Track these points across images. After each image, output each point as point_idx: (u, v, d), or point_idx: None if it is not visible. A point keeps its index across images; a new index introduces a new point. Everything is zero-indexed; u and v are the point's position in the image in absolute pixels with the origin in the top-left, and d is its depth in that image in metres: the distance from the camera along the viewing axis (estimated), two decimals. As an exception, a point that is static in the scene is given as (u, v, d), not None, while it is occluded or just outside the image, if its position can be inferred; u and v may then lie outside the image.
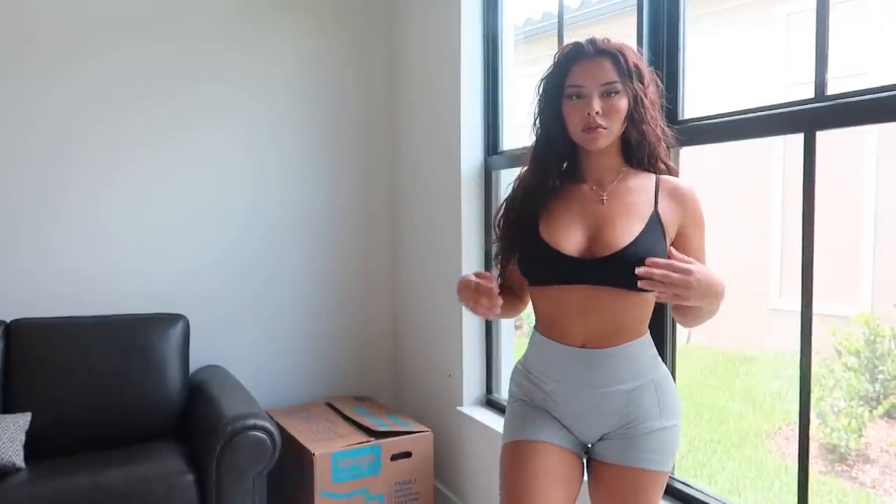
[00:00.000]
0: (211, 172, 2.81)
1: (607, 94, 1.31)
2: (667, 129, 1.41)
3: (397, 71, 3.07)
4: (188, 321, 2.57)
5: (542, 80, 1.40)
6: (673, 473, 1.78)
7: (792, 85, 4.58)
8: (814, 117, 1.44)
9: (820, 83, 1.43)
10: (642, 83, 1.32)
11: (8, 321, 2.38)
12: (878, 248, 4.35)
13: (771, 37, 4.87)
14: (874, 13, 4.35)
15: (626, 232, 1.30)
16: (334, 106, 3.04)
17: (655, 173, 1.39)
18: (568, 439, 1.39)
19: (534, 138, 1.44)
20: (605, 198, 1.36)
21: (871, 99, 1.35)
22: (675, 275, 1.16)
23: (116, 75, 2.63)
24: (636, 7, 1.83)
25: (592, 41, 1.33)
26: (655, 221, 1.32)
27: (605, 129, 1.31)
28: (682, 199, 1.35)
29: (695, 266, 1.19)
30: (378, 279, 3.16)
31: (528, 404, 1.43)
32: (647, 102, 1.33)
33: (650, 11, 1.81)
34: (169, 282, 2.73)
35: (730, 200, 4.95)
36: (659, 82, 1.41)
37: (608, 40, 1.33)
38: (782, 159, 4.76)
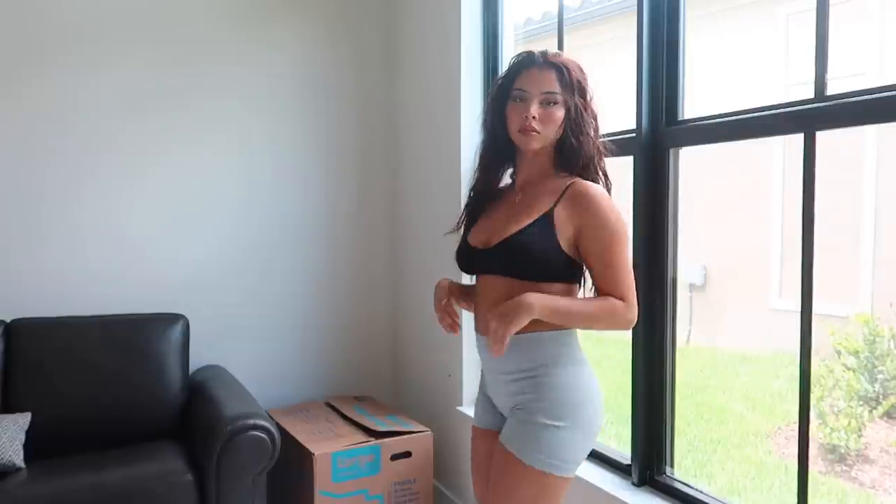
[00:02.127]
0: (213, 174, 2.81)
1: (547, 102, 1.42)
2: (603, 143, 1.50)
3: (397, 70, 3.07)
4: (188, 321, 2.57)
5: (495, 82, 1.54)
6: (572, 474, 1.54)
7: (792, 85, 4.58)
8: (814, 117, 1.44)
9: (820, 83, 1.43)
10: (583, 98, 1.44)
11: (8, 321, 2.38)
12: (877, 248, 4.35)
13: (771, 37, 4.87)
14: (874, 13, 4.35)
15: (516, 226, 1.42)
16: (335, 106, 3.03)
17: (587, 180, 1.46)
18: (496, 422, 1.54)
19: (482, 138, 1.58)
20: (518, 197, 1.49)
21: (871, 99, 1.35)
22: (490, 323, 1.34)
23: (119, 81, 2.63)
24: (636, 7, 1.83)
25: (544, 53, 1.45)
26: (545, 219, 1.41)
27: (537, 132, 1.42)
28: (581, 202, 1.40)
29: (495, 310, 1.35)
30: (378, 279, 3.16)
31: (481, 390, 1.63)
32: (585, 116, 1.43)
33: (650, 11, 1.81)
34: (169, 282, 2.73)
35: (730, 200, 4.95)
36: (594, 105, 1.48)
37: (559, 55, 1.46)
38: (782, 159, 4.76)
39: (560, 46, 2.27)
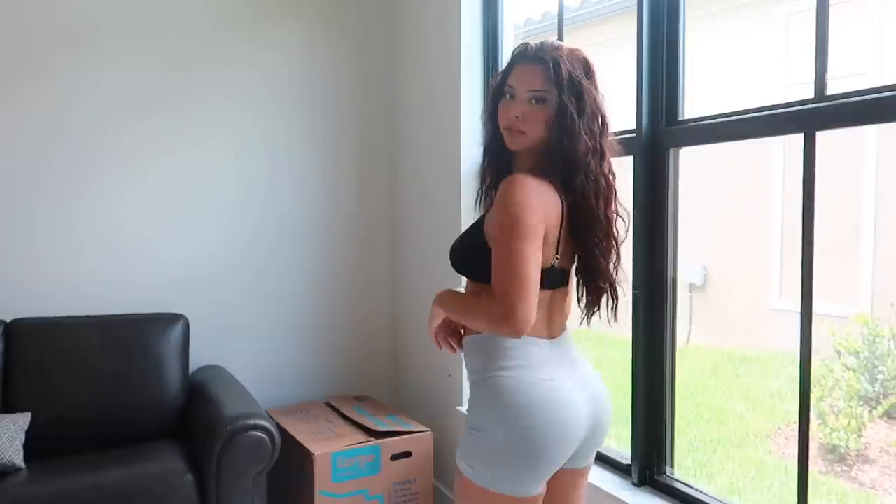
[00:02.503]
0: (212, 173, 2.81)
1: (533, 100, 1.33)
2: (606, 144, 1.37)
3: (397, 70, 3.07)
4: (188, 321, 2.57)
5: (496, 74, 1.49)
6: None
7: (792, 85, 4.58)
8: (814, 117, 1.44)
9: (820, 83, 1.43)
10: (576, 96, 1.31)
11: (8, 321, 2.38)
12: (877, 248, 4.35)
13: (771, 37, 4.87)
14: (874, 13, 4.35)
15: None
16: (335, 106, 3.03)
17: (576, 185, 1.34)
18: None
19: (483, 132, 1.51)
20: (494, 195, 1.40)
21: (871, 99, 1.35)
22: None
23: (119, 82, 2.63)
24: (636, 7, 1.83)
25: (538, 46, 1.36)
26: (481, 216, 1.41)
27: (522, 133, 1.35)
28: (498, 194, 1.32)
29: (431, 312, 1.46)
30: (378, 279, 3.16)
31: None
32: (576, 116, 1.30)
33: (650, 11, 1.81)
34: (169, 282, 2.73)
35: (730, 200, 4.95)
36: (597, 95, 1.36)
37: (556, 48, 1.35)
38: (782, 159, 4.77)
39: (560, 46, 2.27)
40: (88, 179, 2.61)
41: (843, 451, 3.63)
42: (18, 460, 2.07)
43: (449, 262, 1.48)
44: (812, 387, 1.50)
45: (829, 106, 1.41)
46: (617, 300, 1.42)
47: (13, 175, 2.51)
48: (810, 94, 1.45)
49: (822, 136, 1.44)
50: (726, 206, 4.92)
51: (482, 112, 1.51)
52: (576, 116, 1.31)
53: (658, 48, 1.82)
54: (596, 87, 1.36)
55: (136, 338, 2.45)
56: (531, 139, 1.35)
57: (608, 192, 1.36)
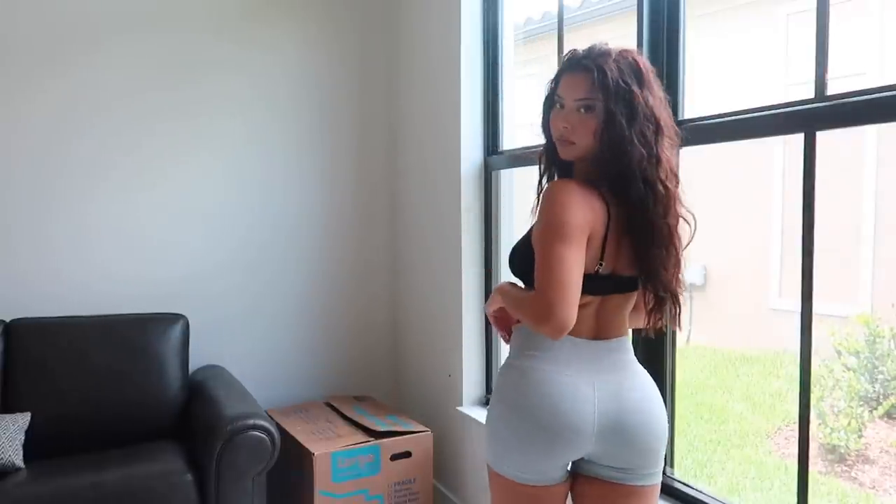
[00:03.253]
0: (211, 173, 2.81)
1: (581, 109, 1.32)
2: (659, 149, 1.31)
3: (397, 70, 3.07)
4: (188, 321, 2.57)
5: (549, 81, 1.43)
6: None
7: (792, 85, 4.58)
8: (814, 117, 1.44)
9: (820, 83, 1.43)
10: (624, 102, 1.27)
11: (8, 321, 2.38)
12: (877, 248, 4.35)
13: (771, 37, 4.87)
14: (874, 13, 4.35)
15: None
16: (334, 106, 3.03)
17: (631, 195, 1.31)
18: None
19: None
20: None
21: (871, 99, 1.35)
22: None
23: (121, 75, 2.63)
24: (636, 7, 1.83)
25: (584, 52, 1.33)
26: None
27: (571, 143, 1.34)
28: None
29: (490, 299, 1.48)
30: (378, 279, 3.15)
31: None
32: (626, 124, 1.27)
33: (650, 11, 1.81)
34: (169, 282, 2.73)
35: (730, 200, 4.94)
36: (651, 98, 1.31)
37: (600, 52, 1.31)
38: (782, 159, 4.76)
39: (560, 46, 2.27)
40: (88, 180, 2.61)
41: (843, 451, 3.63)
42: (18, 460, 2.07)
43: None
44: (812, 387, 1.50)
45: (829, 106, 1.41)
46: (679, 308, 1.39)
47: (13, 176, 2.51)
48: (810, 94, 1.45)
49: (822, 136, 1.44)
50: (726, 206, 4.92)
51: (541, 121, 1.47)
52: (625, 124, 1.27)
53: (658, 48, 1.81)
54: (650, 90, 1.31)
55: (137, 337, 2.45)
56: (581, 149, 1.34)
57: (667, 200, 1.31)
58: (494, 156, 2.58)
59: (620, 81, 1.28)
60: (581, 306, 1.29)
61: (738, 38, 5.03)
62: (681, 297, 1.38)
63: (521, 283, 1.44)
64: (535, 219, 1.34)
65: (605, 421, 1.31)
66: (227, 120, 2.83)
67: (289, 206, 2.96)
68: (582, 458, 1.37)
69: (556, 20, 2.30)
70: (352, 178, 3.08)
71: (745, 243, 5.03)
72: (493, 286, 2.61)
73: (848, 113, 1.39)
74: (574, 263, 1.24)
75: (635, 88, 1.28)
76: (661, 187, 1.30)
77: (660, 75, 1.81)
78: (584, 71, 1.30)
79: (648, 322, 1.40)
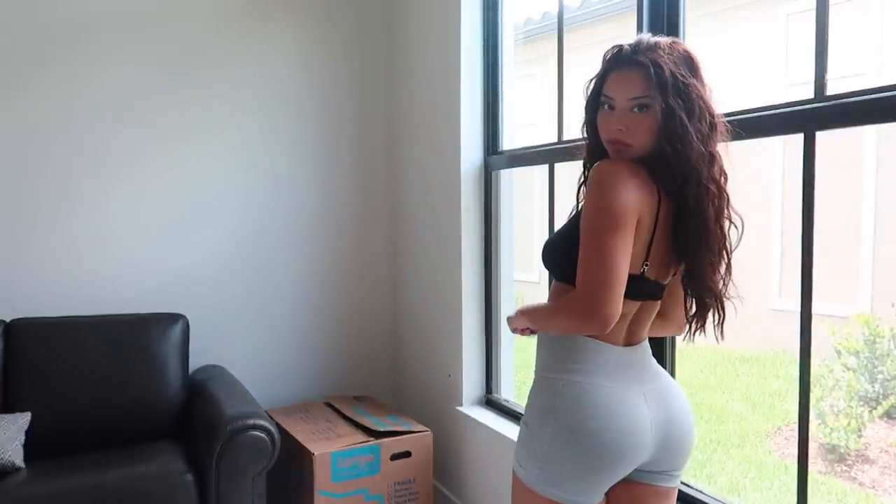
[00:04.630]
0: (211, 173, 2.81)
1: (636, 108, 1.23)
2: (713, 146, 1.24)
3: (398, 70, 3.07)
4: (188, 321, 2.57)
5: (588, 81, 1.35)
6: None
7: (792, 85, 4.58)
8: (814, 117, 1.44)
9: (820, 83, 1.43)
10: (682, 98, 1.19)
11: (8, 321, 2.38)
12: (877, 248, 4.35)
13: (771, 37, 4.87)
14: (874, 13, 4.35)
15: None
16: (334, 106, 3.03)
17: (689, 195, 1.23)
18: None
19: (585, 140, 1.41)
20: None
21: (871, 99, 1.35)
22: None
23: (117, 79, 2.63)
24: (636, 7, 1.83)
25: (633, 48, 1.25)
26: (577, 212, 1.33)
27: (629, 145, 1.25)
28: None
29: (513, 315, 1.40)
30: (378, 279, 3.16)
31: None
32: (684, 119, 1.19)
33: (650, 11, 1.81)
34: (169, 282, 2.73)
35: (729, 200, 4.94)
36: (704, 92, 1.24)
37: (653, 46, 1.23)
38: (782, 159, 4.77)
39: (560, 46, 2.27)
40: (88, 180, 2.61)
41: (843, 451, 3.63)
42: (18, 460, 2.07)
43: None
44: (812, 387, 1.50)
45: (829, 106, 1.41)
46: (723, 316, 1.32)
47: (14, 175, 2.51)
48: (810, 94, 1.45)
49: (822, 136, 1.44)
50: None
51: (582, 126, 1.39)
52: (685, 119, 1.19)
53: (658, 48, 1.81)
54: (703, 83, 1.23)
55: (136, 338, 2.45)
56: (639, 150, 1.25)
57: (720, 201, 1.25)
58: (494, 156, 2.58)
59: (678, 75, 1.20)
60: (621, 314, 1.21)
61: (738, 38, 5.04)
62: (726, 304, 1.32)
63: (553, 284, 1.39)
64: (583, 205, 1.25)
65: (658, 432, 1.28)
66: (229, 120, 2.83)
67: (289, 206, 2.96)
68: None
69: (556, 20, 2.30)
70: (352, 178, 3.08)
71: (744, 243, 5.02)
72: (493, 286, 2.61)
73: (848, 113, 1.39)
74: (622, 251, 1.17)
75: (692, 81, 1.21)
76: (714, 187, 1.24)
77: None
78: (636, 67, 1.22)
79: (690, 329, 1.34)
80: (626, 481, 1.33)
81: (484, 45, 2.57)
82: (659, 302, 1.36)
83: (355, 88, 3.07)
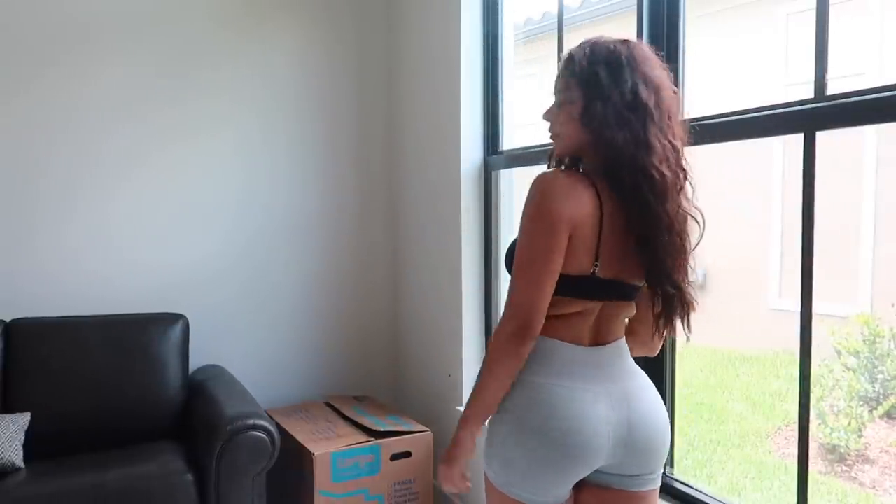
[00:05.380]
0: (211, 174, 2.81)
1: (559, 100, 1.32)
2: (649, 134, 1.23)
3: (398, 70, 3.07)
4: (188, 321, 2.57)
5: None
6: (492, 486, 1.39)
7: (792, 85, 4.58)
8: (814, 117, 1.44)
9: (820, 83, 1.43)
10: (595, 85, 1.23)
11: (8, 321, 2.38)
12: (877, 248, 4.35)
13: (771, 37, 4.87)
14: (874, 13, 4.35)
15: None
16: (334, 106, 3.03)
17: (621, 182, 1.25)
18: None
19: None
20: None
21: (871, 99, 1.35)
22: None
23: (117, 80, 2.63)
24: (636, 7, 1.83)
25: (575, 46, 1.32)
26: None
27: (557, 135, 1.33)
28: None
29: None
30: (378, 279, 3.15)
31: None
32: (599, 105, 1.23)
33: (650, 11, 1.81)
34: (169, 282, 2.73)
35: (730, 200, 4.94)
36: (635, 81, 1.25)
37: (580, 43, 1.30)
38: (782, 159, 4.76)
39: (560, 46, 2.27)
40: (88, 179, 2.61)
41: (843, 451, 3.63)
42: (18, 460, 2.07)
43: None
44: (812, 387, 1.50)
45: (829, 106, 1.41)
46: (688, 309, 1.30)
47: (14, 175, 2.51)
48: (810, 94, 1.45)
49: (822, 136, 1.44)
50: (726, 205, 4.92)
51: None
52: (601, 108, 1.23)
53: (658, 48, 1.81)
54: (632, 76, 1.24)
55: (136, 338, 2.45)
56: (568, 141, 1.31)
57: (663, 187, 1.23)
58: (494, 156, 2.58)
59: (587, 66, 1.25)
60: (578, 313, 1.27)
61: (738, 38, 5.03)
62: (690, 294, 1.29)
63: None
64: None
65: (618, 433, 1.27)
66: (229, 120, 2.83)
67: (290, 206, 2.96)
68: (597, 469, 1.31)
69: (556, 20, 2.30)
70: (352, 178, 3.08)
71: (745, 243, 5.03)
72: (493, 286, 2.61)
73: (848, 113, 1.39)
74: (545, 254, 1.21)
75: (603, 72, 1.24)
76: (655, 172, 1.22)
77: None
78: (560, 67, 1.32)
79: (657, 330, 1.33)
80: (595, 486, 1.33)
81: (484, 45, 2.57)
82: (629, 304, 1.35)
83: (355, 88, 3.07)
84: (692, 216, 1.30)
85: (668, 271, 1.26)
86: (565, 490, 1.30)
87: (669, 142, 1.26)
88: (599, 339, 1.32)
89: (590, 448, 1.25)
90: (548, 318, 1.25)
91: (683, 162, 1.29)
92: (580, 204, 1.22)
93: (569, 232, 1.21)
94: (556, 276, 1.22)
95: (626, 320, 1.38)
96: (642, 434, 1.29)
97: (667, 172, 1.24)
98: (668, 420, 1.36)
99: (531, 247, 1.23)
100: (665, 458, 1.36)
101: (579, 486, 1.35)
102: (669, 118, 1.27)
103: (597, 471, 1.31)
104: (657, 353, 1.45)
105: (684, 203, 1.29)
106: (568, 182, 1.25)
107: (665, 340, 1.87)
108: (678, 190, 1.27)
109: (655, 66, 1.28)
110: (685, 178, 1.29)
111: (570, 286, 1.25)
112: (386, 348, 3.19)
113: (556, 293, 1.24)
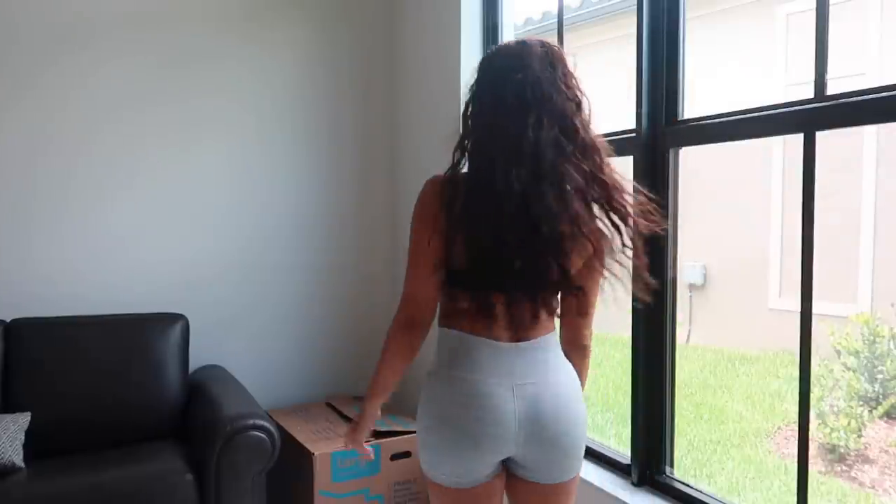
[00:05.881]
0: (212, 174, 2.81)
1: None
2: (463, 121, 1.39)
3: (397, 70, 3.07)
4: (188, 321, 2.57)
5: None
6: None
7: (792, 85, 4.58)
8: (814, 117, 1.44)
9: (820, 83, 1.43)
10: (472, 88, 1.39)
11: (8, 321, 2.37)
12: (877, 248, 4.35)
13: (771, 37, 4.88)
14: (874, 13, 4.35)
15: None
16: (333, 105, 3.03)
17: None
18: None
19: None
20: None
21: (871, 99, 1.35)
22: None
23: (117, 80, 2.63)
24: (636, 7, 1.83)
25: None
26: None
27: None
28: None
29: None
30: (378, 279, 3.15)
31: None
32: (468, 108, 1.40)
33: (650, 11, 1.81)
34: (169, 282, 2.73)
35: (730, 200, 4.95)
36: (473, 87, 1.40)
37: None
38: (782, 159, 4.77)
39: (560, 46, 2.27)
40: (88, 179, 2.61)
41: (842, 451, 3.63)
42: (18, 460, 2.07)
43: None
44: (812, 387, 1.50)
45: (829, 106, 1.41)
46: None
47: (13, 175, 2.51)
48: (810, 94, 1.45)
49: (822, 136, 1.44)
50: (726, 205, 4.92)
51: None
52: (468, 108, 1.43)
53: (658, 48, 1.82)
54: (481, 72, 1.39)
55: (136, 338, 2.45)
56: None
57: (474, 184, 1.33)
58: (494, 156, 2.57)
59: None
60: (481, 307, 1.30)
61: (739, 38, 5.04)
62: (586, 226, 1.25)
63: None
64: None
65: (525, 426, 1.30)
66: (228, 119, 2.82)
67: (290, 206, 2.96)
68: (510, 458, 1.35)
69: (556, 20, 2.30)
70: (353, 178, 3.08)
71: (745, 243, 5.03)
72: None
73: (848, 113, 1.39)
74: (420, 262, 1.38)
75: (476, 76, 1.40)
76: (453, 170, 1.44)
77: (660, 75, 1.82)
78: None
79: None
80: (517, 478, 1.39)
81: (484, 45, 2.57)
82: (545, 294, 1.33)
83: (355, 87, 3.06)
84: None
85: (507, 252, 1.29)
86: (481, 470, 1.34)
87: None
88: (520, 335, 1.33)
89: (498, 437, 1.30)
90: (457, 311, 1.35)
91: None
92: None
93: (432, 230, 1.36)
94: (440, 269, 1.33)
95: (555, 318, 1.38)
96: (544, 429, 1.31)
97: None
98: (580, 414, 1.36)
99: (412, 244, 1.40)
100: (579, 450, 1.37)
101: (509, 479, 1.41)
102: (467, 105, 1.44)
103: (514, 461, 1.36)
104: (582, 342, 1.44)
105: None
106: (444, 185, 1.42)
107: (665, 340, 1.87)
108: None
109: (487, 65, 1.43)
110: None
111: (457, 280, 1.34)
112: (386, 348, 3.19)
113: (450, 286, 1.35)
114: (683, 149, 1.82)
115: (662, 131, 1.82)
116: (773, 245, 4.85)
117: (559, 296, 1.36)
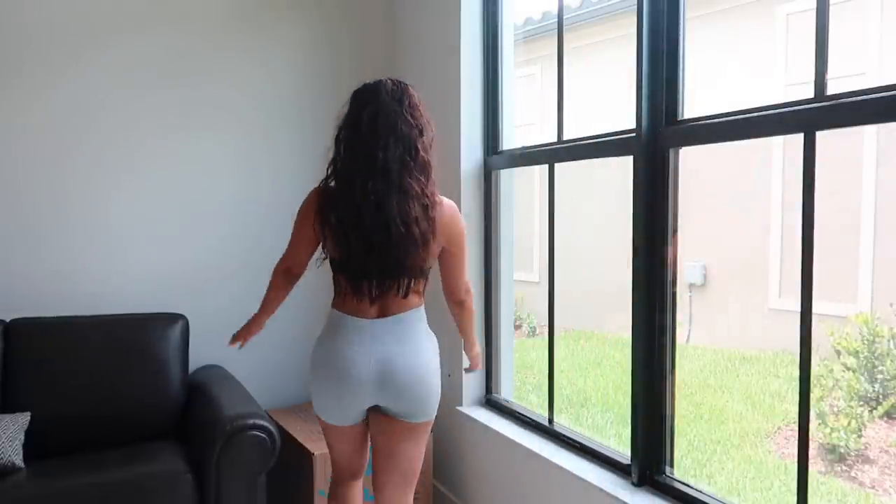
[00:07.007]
0: (211, 173, 2.81)
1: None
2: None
3: (397, 70, 3.07)
4: (188, 321, 2.57)
5: None
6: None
7: (792, 85, 4.58)
8: (814, 117, 1.44)
9: (820, 83, 1.43)
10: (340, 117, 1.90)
11: (8, 321, 2.38)
12: (877, 248, 4.35)
13: (771, 37, 4.88)
14: (874, 13, 4.35)
15: None
16: (334, 105, 3.01)
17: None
18: None
19: None
20: None
21: (871, 99, 1.35)
22: None
23: (118, 78, 2.63)
24: (636, 7, 1.83)
25: None
26: None
27: None
28: None
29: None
30: (378, 279, 3.15)
31: None
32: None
33: (650, 11, 1.81)
34: (169, 282, 2.73)
35: (730, 200, 4.95)
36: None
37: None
38: (782, 159, 4.77)
39: (560, 46, 2.27)
40: (87, 180, 2.61)
41: (843, 451, 3.63)
42: (18, 460, 2.07)
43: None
44: (812, 387, 1.50)
45: (829, 106, 1.41)
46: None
47: (13, 175, 2.51)
48: (810, 94, 1.45)
49: (822, 136, 1.44)
50: (726, 205, 4.92)
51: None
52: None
53: (658, 48, 1.81)
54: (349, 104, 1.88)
55: (136, 338, 2.45)
56: None
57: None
58: (494, 156, 2.58)
59: None
60: (350, 290, 1.77)
61: (739, 37, 5.04)
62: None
63: None
64: None
65: (378, 379, 1.71)
66: (229, 120, 2.83)
67: (289, 205, 2.94)
68: (378, 406, 1.77)
69: (556, 20, 2.30)
70: (352, 178, 3.08)
71: (744, 243, 5.03)
72: (493, 286, 2.61)
73: (848, 113, 1.39)
74: (296, 242, 1.93)
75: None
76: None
77: (660, 75, 1.82)
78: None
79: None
80: (376, 412, 1.80)
81: (484, 45, 2.57)
82: (397, 282, 1.73)
83: (356, 87, 3.05)
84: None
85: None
86: (349, 412, 1.77)
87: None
88: (384, 312, 1.75)
89: (352, 385, 1.72)
90: (340, 292, 1.82)
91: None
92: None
93: (308, 227, 1.87)
94: (309, 247, 1.90)
95: (418, 297, 1.81)
96: (399, 385, 1.71)
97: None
98: (429, 371, 1.76)
99: (292, 235, 1.97)
100: (428, 402, 1.77)
101: (370, 414, 1.82)
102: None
103: (381, 408, 1.77)
104: (458, 297, 1.94)
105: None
106: (320, 193, 1.94)
107: (665, 340, 1.87)
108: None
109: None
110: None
111: (337, 267, 1.81)
112: (386, 348, 3.19)
113: (334, 272, 1.84)
114: (683, 148, 1.82)
115: (662, 131, 1.82)
116: (773, 245, 4.85)
117: (421, 276, 1.76)
